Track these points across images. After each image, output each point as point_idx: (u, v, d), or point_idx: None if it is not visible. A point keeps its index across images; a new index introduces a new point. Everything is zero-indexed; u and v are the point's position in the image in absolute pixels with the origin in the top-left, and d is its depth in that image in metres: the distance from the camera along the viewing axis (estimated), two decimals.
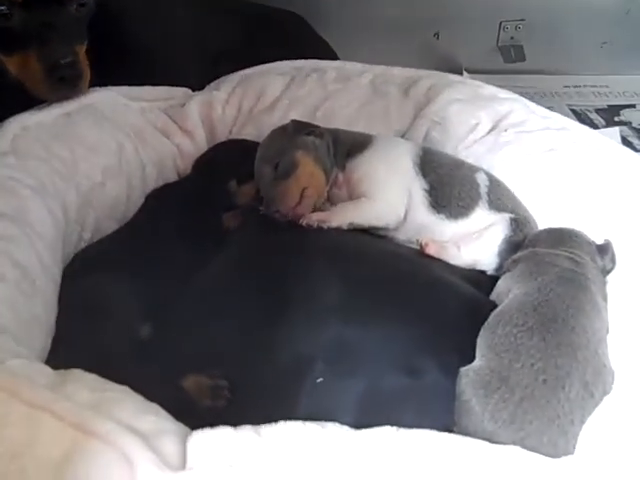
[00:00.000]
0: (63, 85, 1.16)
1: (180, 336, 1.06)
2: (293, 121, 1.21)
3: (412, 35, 1.97)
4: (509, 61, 1.98)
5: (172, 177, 1.37)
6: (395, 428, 0.75)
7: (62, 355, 0.99)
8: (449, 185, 1.16)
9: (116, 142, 1.26)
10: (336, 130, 1.23)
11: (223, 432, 0.74)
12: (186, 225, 1.24)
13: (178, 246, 1.22)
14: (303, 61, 1.45)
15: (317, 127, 1.20)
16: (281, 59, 1.52)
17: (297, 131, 1.18)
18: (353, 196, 1.17)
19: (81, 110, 1.26)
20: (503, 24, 1.97)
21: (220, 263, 1.15)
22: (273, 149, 1.18)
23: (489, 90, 1.37)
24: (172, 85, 1.47)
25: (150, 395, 0.81)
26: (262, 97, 1.37)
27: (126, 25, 1.47)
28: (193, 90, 1.48)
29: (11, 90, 1.26)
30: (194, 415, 0.86)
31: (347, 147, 1.20)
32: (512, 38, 1.99)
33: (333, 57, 1.71)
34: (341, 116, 1.34)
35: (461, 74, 1.95)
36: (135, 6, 1.55)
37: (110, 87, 1.33)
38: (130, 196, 1.27)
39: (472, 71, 1.97)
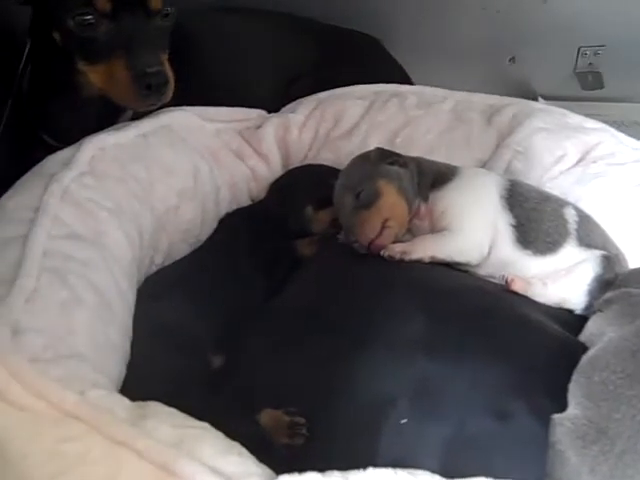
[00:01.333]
0: (150, 93, 1.14)
1: (254, 368, 1.03)
2: (377, 149, 1.18)
3: (487, 59, 1.92)
4: (586, 88, 1.92)
5: (245, 201, 1.35)
6: None
7: (136, 384, 0.97)
8: (537, 220, 1.11)
9: (192, 164, 1.24)
10: (420, 159, 1.20)
11: (310, 477, 0.70)
12: (260, 251, 1.22)
13: (251, 272, 1.20)
14: (382, 85, 1.41)
15: (401, 156, 1.17)
16: (356, 82, 1.49)
17: (381, 159, 1.15)
18: (435, 228, 1.13)
19: (157, 131, 1.25)
20: (582, 50, 1.91)
21: (295, 292, 1.12)
22: (355, 177, 1.15)
23: (575, 119, 1.32)
24: (246, 106, 1.46)
25: (227, 430, 0.79)
26: (340, 121, 1.34)
27: (201, 43, 1.46)
28: (268, 112, 1.46)
29: (87, 104, 1.27)
30: (271, 453, 0.83)
31: (431, 177, 1.16)
32: (590, 64, 1.93)
33: (408, 81, 1.68)
34: (421, 143, 1.31)
35: (536, 100, 1.89)
36: (210, 24, 1.55)
37: (185, 107, 1.32)
38: (204, 220, 1.25)
39: (548, 97, 1.91)
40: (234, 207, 1.32)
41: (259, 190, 1.35)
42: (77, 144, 1.17)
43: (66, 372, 0.80)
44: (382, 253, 1.07)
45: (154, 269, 1.19)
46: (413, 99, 1.36)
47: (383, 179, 1.12)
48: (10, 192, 1.09)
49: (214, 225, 1.27)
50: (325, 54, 1.64)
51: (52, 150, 1.34)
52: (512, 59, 1.92)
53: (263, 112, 1.43)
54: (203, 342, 1.08)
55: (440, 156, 1.26)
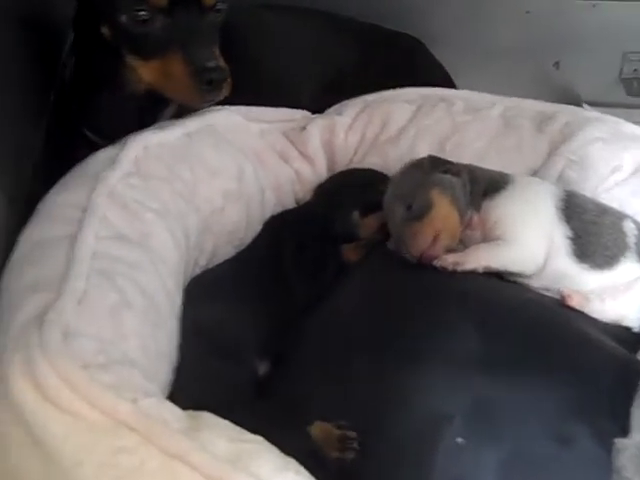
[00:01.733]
0: (210, 89, 1.12)
1: (303, 378, 1.00)
2: (429, 157, 1.15)
3: (530, 63, 1.87)
4: (632, 94, 1.88)
5: (290, 203, 1.32)
6: None
7: (183, 390, 0.95)
8: (595, 233, 1.08)
9: (236, 165, 1.22)
10: (472, 167, 1.16)
11: None
12: (305, 255, 1.20)
13: (296, 276, 1.18)
14: (430, 89, 1.38)
15: (454, 164, 1.14)
16: (398, 83, 1.46)
17: (433, 168, 1.12)
18: (488, 238, 1.10)
19: (201, 130, 1.23)
20: (627, 55, 1.87)
21: (345, 301, 1.10)
22: (407, 186, 1.12)
23: (630, 129, 1.28)
24: (287, 104, 1.43)
25: (277, 441, 0.77)
26: (387, 125, 1.31)
27: (243, 40, 1.43)
28: (311, 111, 1.43)
29: (131, 99, 1.25)
30: (322, 468, 0.81)
31: (483, 186, 1.13)
32: (636, 70, 1.89)
33: (450, 82, 1.65)
34: (471, 149, 1.27)
35: (580, 105, 1.86)
36: (252, 21, 1.53)
37: (229, 107, 1.29)
38: (249, 222, 1.23)
39: (592, 103, 1.87)
40: (279, 210, 1.29)
41: (304, 193, 1.32)
42: (121, 142, 1.15)
43: (118, 379, 0.78)
44: (434, 263, 1.04)
45: (197, 271, 1.17)
46: (460, 104, 1.32)
47: (436, 189, 1.09)
48: (56, 189, 1.08)
49: (259, 227, 1.24)
50: (367, 54, 1.61)
51: (93, 145, 1.33)
52: (556, 64, 1.88)
53: (307, 113, 1.40)
54: (249, 347, 1.06)
55: (491, 163, 1.23)
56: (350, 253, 1.21)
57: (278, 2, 1.67)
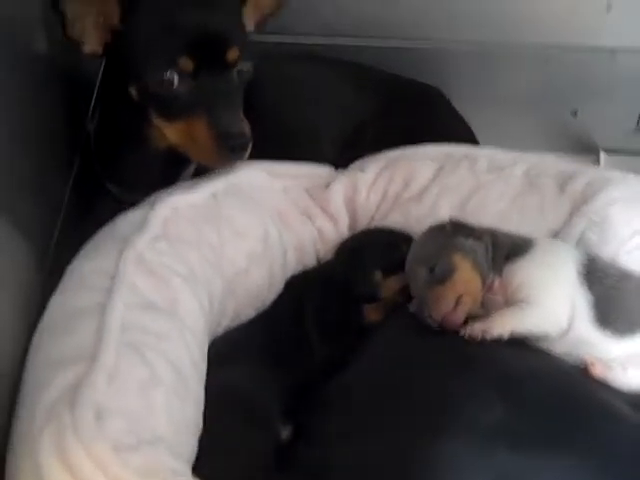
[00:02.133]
0: (232, 153, 1.14)
1: (326, 445, 1.00)
2: (452, 221, 1.16)
3: (548, 112, 1.87)
4: None
5: (311, 262, 1.33)
6: None
7: (206, 457, 0.96)
8: (616, 299, 1.08)
9: (262, 227, 1.23)
10: (494, 232, 1.17)
11: None
12: (326, 315, 1.21)
13: (318, 337, 1.19)
14: (453, 146, 1.38)
15: (476, 229, 1.15)
16: (420, 135, 1.47)
17: (455, 232, 1.13)
18: (510, 302, 1.10)
19: (227, 190, 1.24)
20: None
21: (363, 365, 1.10)
22: (429, 249, 1.13)
23: None
24: (308, 155, 1.45)
25: None
26: (410, 183, 1.31)
27: (265, 89, 1.45)
28: (332, 163, 1.44)
29: (154, 156, 1.27)
30: None
31: (506, 250, 1.14)
32: None
33: (471, 134, 1.65)
34: (493, 209, 1.27)
35: (597, 154, 1.87)
36: (274, 71, 1.54)
37: (252, 162, 1.30)
38: (271, 283, 1.24)
39: (609, 151, 1.88)
40: (300, 269, 1.30)
41: (325, 251, 1.33)
42: (149, 203, 1.17)
43: (147, 460, 0.79)
44: (462, 333, 1.04)
45: (219, 332, 1.18)
46: (484, 162, 1.32)
47: (458, 253, 1.10)
48: (85, 253, 1.09)
49: (280, 288, 1.26)
50: (388, 104, 1.62)
51: (116, 199, 1.35)
52: (574, 112, 1.89)
53: (331, 169, 1.41)
54: (271, 410, 1.07)
55: (512, 223, 1.24)
56: (372, 313, 1.22)
57: (302, 52, 1.70)
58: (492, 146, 1.44)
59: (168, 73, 1.12)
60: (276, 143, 1.39)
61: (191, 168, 1.36)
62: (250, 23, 1.29)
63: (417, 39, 1.74)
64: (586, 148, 1.88)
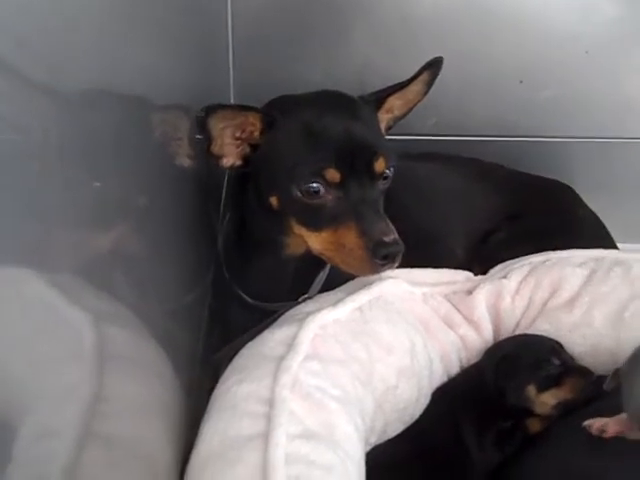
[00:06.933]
0: (384, 262, 1.09)
1: None
2: None
3: None
4: None
5: (455, 371, 1.29)
6: None
7: None
8: None
9: (409, 340, 1.20)
10: None
11: None
12: (476, 429, 1.18)
13: (468, 452, 1.16)
14: (602, 251, 1.33)
15: None
16: (558, 236, 1.43)
17: None
18: None
19: (372, 303, 1.22)
20: None
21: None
22: None
23: None
24: (441, 261, 1.41)
25: None
26: (558, 291, 1.26)
27: (398, 195, 1.43)
28: (468, 269, 1.40)
29: (288, 263, 1.27)
30: None
31: None
32: None
33: (604, 231, 1.59)
34: None
35: None
36: (402, 172, 1.53)
37: (392, 272, 1.26)
38: (419, 397, 1.20)
39: None
40: (445, 379, 1.26)
41: (469, 359, 1.29)
42: (297, 322, 1.14)
43: None
44: None
45: (367, 448, 1.13)
46: (638, 268, 1.26)
47: None
48: (233, 374, 1.07)
49: (426, 400, 1.22)
50: (519, 203, 1.59)
51: (247, 305, 1.33)
52: None
53: (468, 274, 1.37)
54: None
55: None
56: (533, 425, 1.18)
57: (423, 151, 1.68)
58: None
59: (314, 185, 1.10)
60: (409, 246, 1.36)
61: (323, 275, 1.34)
62: (382, 126, 1.27)
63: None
64: None
